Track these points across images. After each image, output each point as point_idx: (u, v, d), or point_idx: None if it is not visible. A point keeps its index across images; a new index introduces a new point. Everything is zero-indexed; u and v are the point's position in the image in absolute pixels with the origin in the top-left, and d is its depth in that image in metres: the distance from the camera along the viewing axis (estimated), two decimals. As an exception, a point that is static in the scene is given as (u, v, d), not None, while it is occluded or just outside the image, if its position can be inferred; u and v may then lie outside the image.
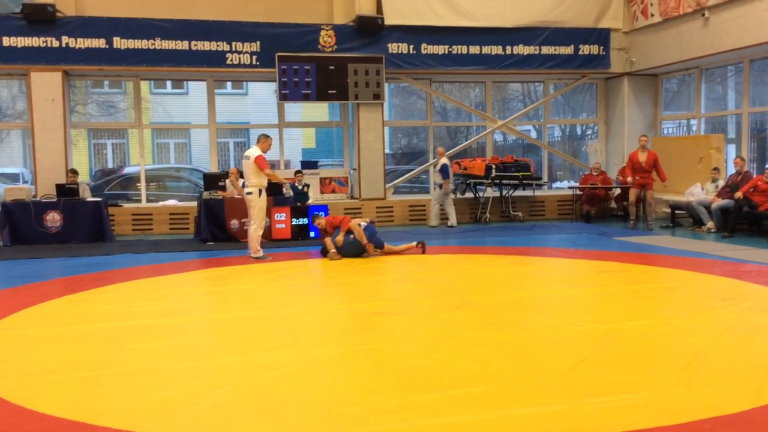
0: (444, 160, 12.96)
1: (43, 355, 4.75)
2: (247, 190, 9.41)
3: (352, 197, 14.22)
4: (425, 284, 7.52)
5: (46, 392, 3.97)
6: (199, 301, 6.86)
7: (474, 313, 5.83)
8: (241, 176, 10.62)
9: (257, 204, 9.32)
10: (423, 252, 9.66)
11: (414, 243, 9.83)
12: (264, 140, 9.53)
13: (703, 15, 12.44)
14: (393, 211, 14.07)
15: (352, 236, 9.26)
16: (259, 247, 9.39)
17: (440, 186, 13.07)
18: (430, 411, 3.57)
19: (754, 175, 11.50)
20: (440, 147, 13.39)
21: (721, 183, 11.92)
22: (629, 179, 12.51)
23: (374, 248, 9.35)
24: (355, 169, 14.19)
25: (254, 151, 9.36)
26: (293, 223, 11.48)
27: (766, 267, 7.90)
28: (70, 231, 11.40)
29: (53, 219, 11.37)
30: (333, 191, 14.24)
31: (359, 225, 9.31)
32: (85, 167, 19.01)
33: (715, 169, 12.24)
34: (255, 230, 9.38)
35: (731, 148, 13.85)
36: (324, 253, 9.47)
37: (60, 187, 11.60)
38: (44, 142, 12.38)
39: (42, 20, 12.09)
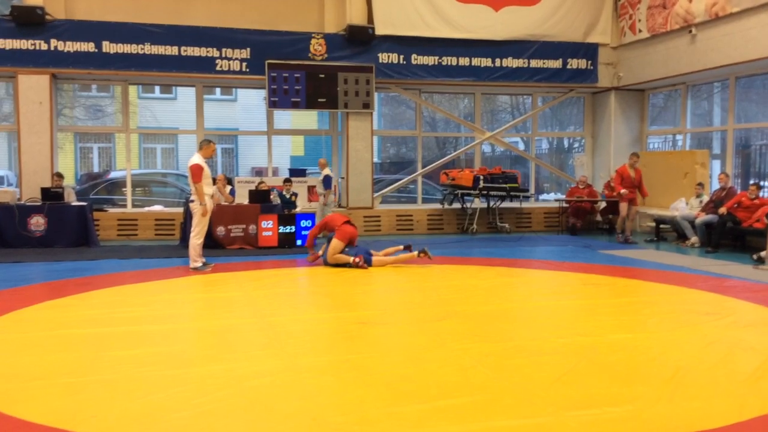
0: (326, 171, 12.88)
1: (26, 361, 4.71)
2: (190, 198, 9.18)
3: (339, 206, 14.21)
4: (412, 294, 7.53)
5: (29, 398, 3.94)
6: (185, 308, 6.82)
7: (460, 324, 5.85)
8: (228, 182, 10.57)
9: (198, 212, 9.01)
10: (430, 258, 9.35)
11: (415, 252, 9.49)
12: (206, 146, 9.13)
13: (690, 32, 12.60)
14: (380, 221, 14.08)
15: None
16: (198, 258, 9.05)
17: (323, 196, 12.93)
18: (415, 422, 3.57)
19: (738, 191, 11.63)
20: (322, 158, 13.23)
21: (706, 198, 12.04)
22: (623, 191, 12.36)
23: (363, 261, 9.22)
24: (343, 178, 14.20)
25: (193, 159, 8.99)
26: (280, 231, 11.46)
27: (749, 282, 7.98)
28: (54, 235, 11.31)
29: (38, 223, 11.29)
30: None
31: (352, 258, 9.16)
32: (71, 171, 18.94)
33: (700, 184, 12.37)
34: (194, 239, 9.02)
35: (716, 164, 14.01)
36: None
37: (45, 191, 11.51)
38: (30, 145, 12.30)
39: (31, 23, 12.03)
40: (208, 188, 9.10)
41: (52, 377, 4.33)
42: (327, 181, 12.80)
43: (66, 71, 12.50)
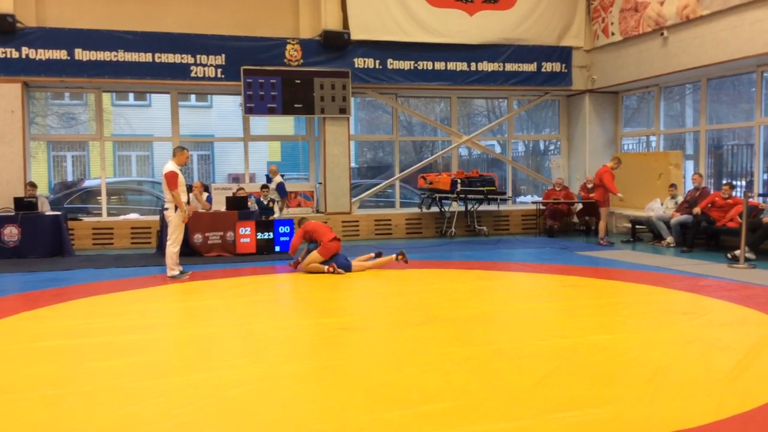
0: (278, 179, 12.83)
1: (0, 374, 4.63)
2: (165, 205, 9.10)
3: (317, 211, 14.18)
4: (391, 299, 7.52)
5: (4, 412, 3.86)
6: (162, 317, 6.75)
7: (440, 328, 5.85)
8: (189, 190, 10.47)
9: (173, 220, 8.94)
10: (406, 262, 9.60)
11: (393, 255, 9.66)
12: (180, 153, 9.04)
13: (662, 35, 12.77)
14: (359, 226, 14.07)
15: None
16: (175, 266, 8.98)
17: (276, 203, 12.87)
18: (397, 427, 3.56)
19: (712, 191, 11.79)
20: (273, 165, 13.27)
21: (680, 198, 12.19)
22: (620, 195, 12.34)
23: (338, 267, 9.21)
24: (320, 183, 14.17)
25: (167, 166, 8.91)
26: (258, 237, 11.40)
27: (724, 281, 8.09)
28: (28, 245, 11.15)
29: (11, 233, 11.11)
30: (299, 205, 14.19)
31: (326, 267, 9.16)
32: (45, 180, 18.65)
33: (673, 185, 12.51)
34: (170, 247, 8.96)
35: (689, 165, 14.19)
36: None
37: (18, 201, 11.35)
38: (2, 155, 12.11)
39: (1, 31, 11.86)
40: (183, 195, 9.03)
41: (28, 390, 4.25)
42: (281, 189, 12.71)
43: (38, 79, 12.35)
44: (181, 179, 8.97)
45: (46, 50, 12.19)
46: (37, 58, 12.16)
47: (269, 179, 13.81)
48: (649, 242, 12.44)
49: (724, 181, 12.06)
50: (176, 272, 8.97)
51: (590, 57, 15.04)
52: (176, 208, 8.91)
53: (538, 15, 14.64)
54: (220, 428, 3.61)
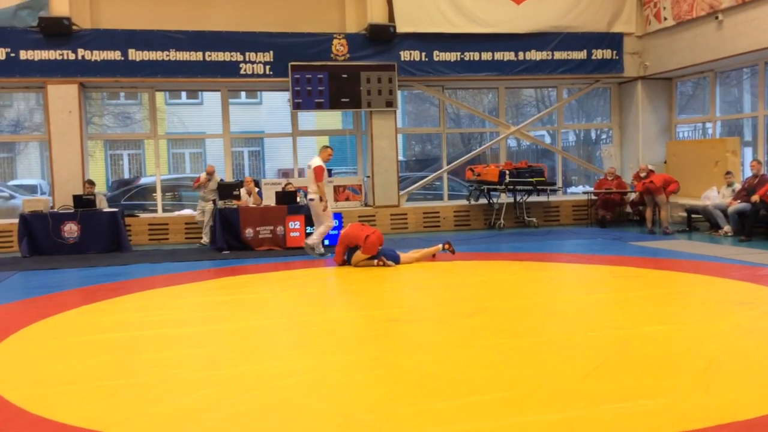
0: (217, 178, 12.65)
1: (60, 365, 4.80)
2: (309, 196, 10.31)
3: (366, 205, 14.24)
4: (440, 291, 7.52)
5: (64, 402, 4.00)
6: (215, 310, 6.88)
7: (489, 320, 5.82)
8: (255, 185, 10.90)
9: (320, 207, 10.24)
10: (453, 252, 9.63)
11: (439, 246, 9.69)
12: (323, 151, 10.35)
13: (717, 18, 12.38)
14: (407, 219, 14.08)
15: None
16: (320, 244, 10.43)
17: (213, 201, 12.34)
18: (445, 418, 3.57)
19: (771, 178, 11.40)
20: (210, 165, 12.91)
21: (738, 186, 11.82)
22: None
23: (387, 260, 9.21)
24: (368, 177, 14.22)
25: (315, 161, 10.22)
26: (308, 231, 11.50)
27: (785, 271, 7.82)
28: (87, 241, 11.51)
29: (71, 230, 11.49)
30: (347, 199, 14.27)
31: (375, 261, 9.17)
32: (102, 178, 19.23)
33: (730, 172, 12.13)
34: (323, 230, 10.39)
35: (747, 151, 13.76)
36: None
37: (77, 198, 11.71)
38: (61, 154, 12.52)
39: (58, 33, 12.24)
40: (323, 186, 10.28)
41: (86, 381, 4.40)
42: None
43: (94, 80, 12.70)
44: (325, 173, 10.27)
45: (100, 51, 12.52)
46: (92, 60, 12.50)
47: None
48: (706, 232, 12.11)
49: (785, 168, 11.65)
50: (322, 250, 10.39)
51: (642, 43, 14.68)
52: (321, 198, 10.16)
53: (587, 1, 14.35)
54: (270, 418, 3.68)
